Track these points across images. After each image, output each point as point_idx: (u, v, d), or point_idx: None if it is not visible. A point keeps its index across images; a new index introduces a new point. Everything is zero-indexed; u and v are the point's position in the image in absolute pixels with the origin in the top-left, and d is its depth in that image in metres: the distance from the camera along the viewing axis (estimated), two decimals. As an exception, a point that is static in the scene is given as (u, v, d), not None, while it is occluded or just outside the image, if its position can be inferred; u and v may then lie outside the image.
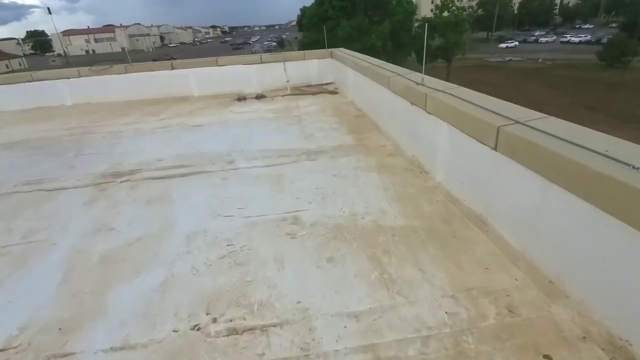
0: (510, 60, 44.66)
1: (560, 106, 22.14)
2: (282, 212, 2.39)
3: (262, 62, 6.95)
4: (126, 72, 6.99)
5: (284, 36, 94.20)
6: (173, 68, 6.97)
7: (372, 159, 3.26)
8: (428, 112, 2.81)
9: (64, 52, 75.96)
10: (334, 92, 6.50)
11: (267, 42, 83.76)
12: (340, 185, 2.75)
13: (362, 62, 4.90)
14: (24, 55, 76.97)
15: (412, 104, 3.13)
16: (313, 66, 7.08)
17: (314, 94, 6.52)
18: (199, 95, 6.99)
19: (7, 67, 58.52)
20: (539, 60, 43.25)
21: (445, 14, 29.47)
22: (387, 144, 3.64)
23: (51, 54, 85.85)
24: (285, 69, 6.89)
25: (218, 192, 2.77)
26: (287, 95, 6.52)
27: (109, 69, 7.00)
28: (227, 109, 5.73)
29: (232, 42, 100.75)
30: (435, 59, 31.63)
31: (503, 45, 55.75)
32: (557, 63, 40.20)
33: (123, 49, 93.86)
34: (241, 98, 6.46)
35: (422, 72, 3.50)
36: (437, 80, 3.10)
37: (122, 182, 3.13)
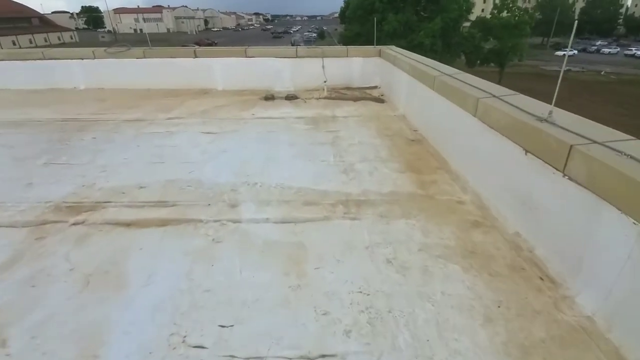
0: (568, 70, 40.81)
1: (627, 128, 19.42)
2: (295, 355, 1.29)
3: (297, 57, 5.85)
4: (144, 57, 6.13)
5: (325, 27, 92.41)
6: (196, 56, 6.04)
7: (448, 229, 2.06)
8: (568, 178, 1.60)
9: (114, 29, 78.38)
10: (379, 100, 5.30)
11: (307, 33, 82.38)
12: (400, 291, 1.59)
13: (427, 68, 3.65)
14: (76, 29, 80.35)
15: (526, 152, 1.91)
16: (356, 65, 5.91)
17: (355, 99, 5.36)
18: (222, 89, 6.03)
19: (59, 40, 61.17)
20: (602, 72, 39.10)
21: (505, 14, 26.72)
22: (465, 198, 2.43)
23: (102, 30, 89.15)
24: (323, 66, 5.77)
25: (198, 275, 1.70)
26: (323, 98, 5.41)
27: (126, 52, 6.18)
28: (249, 111, 4.70)
29: (273, 30, 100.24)
30: (487, 63, 29.01)
31: (560, 53, 51.11)
32: (623, 78, 36.04)
33: (168, 29, 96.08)
34: (269, 97, 5.42)
35: (538, 97, 2.29)
36: (577, 117, 1.85)
37: (73, 224, 2.14)
